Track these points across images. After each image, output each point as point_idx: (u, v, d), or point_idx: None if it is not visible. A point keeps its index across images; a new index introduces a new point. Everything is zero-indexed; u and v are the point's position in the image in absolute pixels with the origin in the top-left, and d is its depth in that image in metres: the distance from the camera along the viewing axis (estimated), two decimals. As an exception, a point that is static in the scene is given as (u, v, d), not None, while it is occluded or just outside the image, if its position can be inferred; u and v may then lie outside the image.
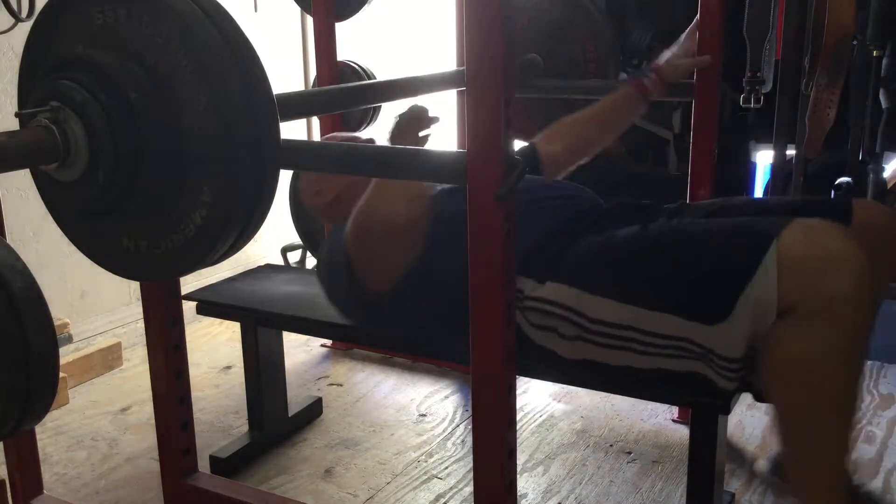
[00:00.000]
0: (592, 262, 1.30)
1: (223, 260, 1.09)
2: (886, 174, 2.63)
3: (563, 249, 1.36)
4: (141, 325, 1.67)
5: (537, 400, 2.36)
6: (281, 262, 3.16)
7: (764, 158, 3.08)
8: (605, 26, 2.10)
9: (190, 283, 2.07)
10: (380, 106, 2.46)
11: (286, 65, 3.27)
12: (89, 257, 1.15)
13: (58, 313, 2.48)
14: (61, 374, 1.98)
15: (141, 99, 0.97)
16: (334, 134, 1.67)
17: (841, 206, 1.39)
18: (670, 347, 1.22)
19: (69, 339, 2.58)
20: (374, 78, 2.54)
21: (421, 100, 1.74)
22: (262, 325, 2.05)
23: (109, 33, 1.00)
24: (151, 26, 0.97)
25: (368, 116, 2.51)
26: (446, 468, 2.03)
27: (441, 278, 1.38)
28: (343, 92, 1.46)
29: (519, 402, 2.31)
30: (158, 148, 0.99)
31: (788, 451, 1.22)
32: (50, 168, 0.99)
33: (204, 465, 1.95)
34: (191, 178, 1.00)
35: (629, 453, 2.07)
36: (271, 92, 1.01)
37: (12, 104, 2.47)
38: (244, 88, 0.97)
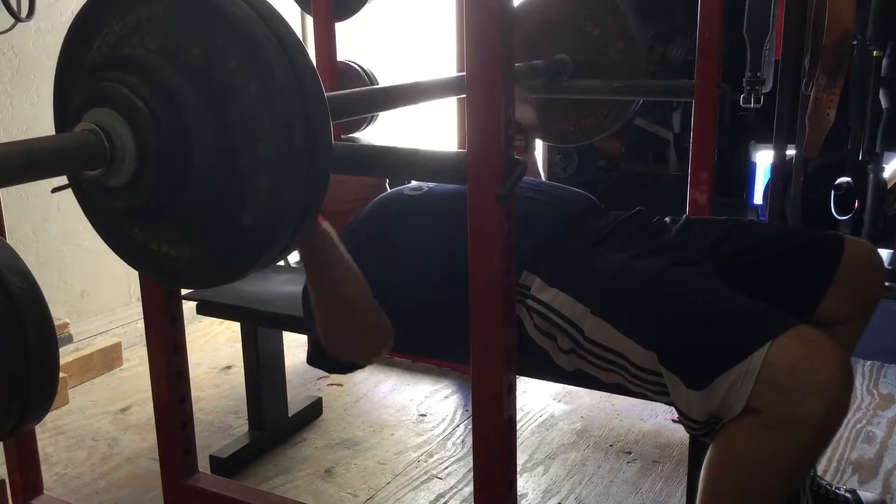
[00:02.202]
0: (605, 285, 1.31)
1: (272, 265, 1.06)
2: (886, 174, 2.63)
3: (575, 258, 1.37)
4: (141, 325, 1.67)
5: (537, 400, 2.36)
6: (281, 261, 3.17)
7: (764, 158, 3.09)
8: (637, 29, 2.09)
9: (190, 283, 2.07)
10: (379, 106, 2.46)
11: (286, 65, 3.27)
12: (129, 263, 1.12)
13: (58, 313, 2.48)
14: (61, 374, 1.98)
15: (197, 116, 0.93)
16: None
17: (835, 245, 1.41)
18: (656, 384, 1.24)
19: (69, 339, 2.58)
20: (375, 78, 2.54)
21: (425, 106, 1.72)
22: (262, 325, 2.05)
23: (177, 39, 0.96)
24: (227, 50, 0.93)
25: (368, 118, 2.51)
26: (446, 468, 2.03)
27: (432, 292, 1.39)
28: (344, 99, 1.44)
29: (519, 402, 2.31)
30: (208, 160, 0.95)
31: None
32: (94, 173, 0.95)
33: (204, 465, 1.95)
34: (238, 192, 0.96)
35: (629, 453, 2.07)
36: (331, 149, 0.99)
37: (12, 104, 2.47)
38: (306, 142, 0.94)
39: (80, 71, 1.02)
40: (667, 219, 1.55)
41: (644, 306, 1.26)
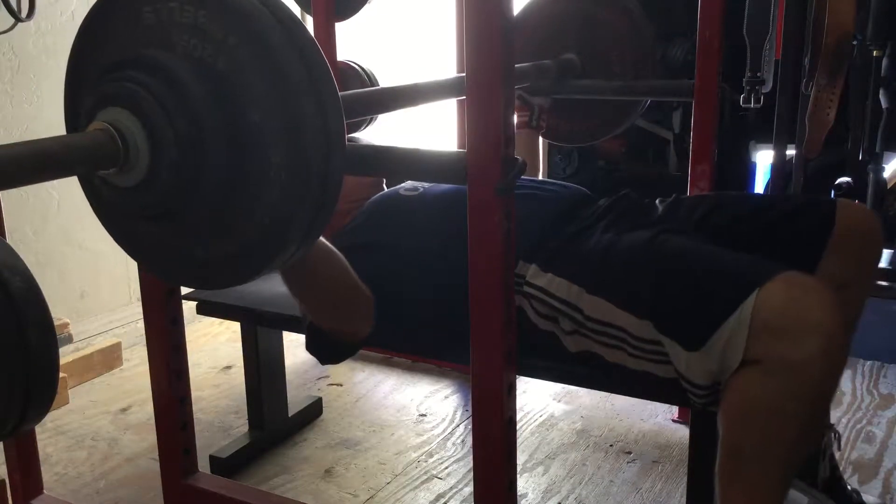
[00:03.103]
0: (596, 263, 1.32)
1: (285, 265, 1.05)
2: (886, 174, 2.63)
3: (567, 243, 1.38)
4: (141, 325, 1.67)
5: (537, 400, 2.36)
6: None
7: (764, 158, 3.09)
8: (646, 30, 2.09)
9: (190, 283, 2.07)
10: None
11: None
12: (140, 263, 1.11)
13: (58, 313, 2.48)
14: (61, 374, 1.98)
15: (208, 108, 0.92)
16: None
17: (826, 208, 1.41)
18: (657, 353, 1.24)
19: (69, 339, 2.58)
20: (375, 78, 2.54)
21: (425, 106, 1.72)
22: (262, 325, 2.05)
23: (158, 32, 0.95)
24: (242, 50, 0.92)
25: (367, 118, 2.51)
26: (446, 468, 2.03)
27: (430, 290, 1.40)
28: (348, 100, 1.44)
29: (519, 402, 2.31)
30: (222, 160, 0.94)
31: (720, 496, 1.22)
32: (107, 173, 0.94)
33: (204, 465, 1.95)
34: (251, 193, 0.95)
35: (629, 453, 2.07)
36: (345, 152, 0.98)
37: (12, 104, 2.47)
38: (321, 145, 0.93)
39: (93, 70, 1.02)
40: (657, 200, 1.56)
41: (634, 278, 1.27)
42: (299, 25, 0.95)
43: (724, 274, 1.20)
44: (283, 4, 0.95)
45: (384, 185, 1.76)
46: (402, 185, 1.63)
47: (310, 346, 1.47)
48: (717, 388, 1.17)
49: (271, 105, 0.92)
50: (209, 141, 0.93)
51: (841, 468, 1.95)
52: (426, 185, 1.58)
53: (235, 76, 0.92)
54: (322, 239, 1.26)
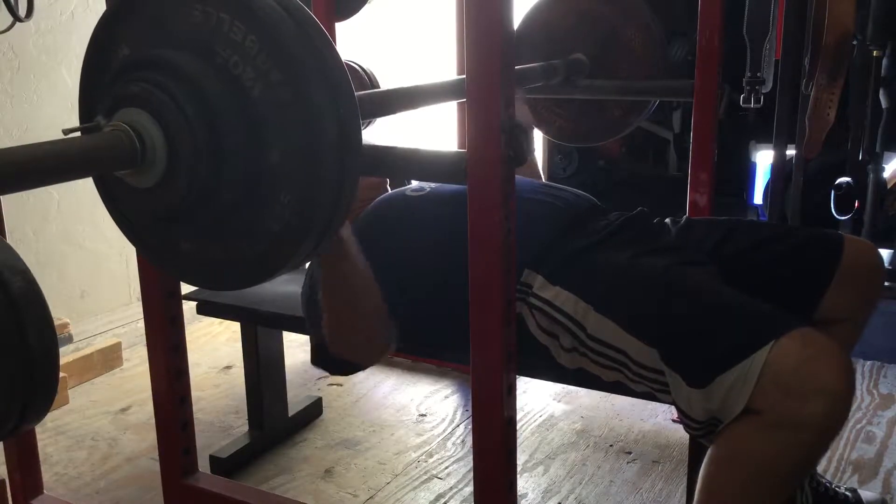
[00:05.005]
0: (608, 283, 1.31)
1: (298, 267, 1.05)
2: (886, 174, 2.63)
3: (577, 257, 1.37)
4: (141, 325, 1.67)
5: (537, 400, 2.36)
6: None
7: (764, 158, 3.09)
8: (655, 28, 2.09)
9: (190, 283, 2.07)
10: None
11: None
12: (155, 265, 1.11)
13: (58, 313, 2.48)
14: (61, 374, 1.98)
15: (228, 118, 0.93)
16: None
17: (834, 243, 1.41)
18: (657, 382, 1.24)
19: (69, 339, 2.58)
20: (375, 78, 2.54)
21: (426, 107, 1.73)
22: (262, 325, 2.05)
23: (200, 36, 0.95)
24: (243, 34, 0.93)
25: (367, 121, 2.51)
26: (446, 468, 2.03)
27: (433, 293, 1.39)
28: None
29: (519, 402, 2.31)
30: (238, 158, 0.95)
31: None
32: (123, 173, 0.95)
33: (204, 465, 1.95)
34: (268, 195, 0.96)
35: (629, 453, 2.07)
36: (359, 158, 0.99)
37: (12, 104, 2.47)
38: (337, 149, 0.94)
39: (108, 71, 1.02)
40: (667, 220, 1.55)
41: (647, 304, 1.26)
42: (346, 88, 0.95)
43: (740, 318, 1.19)
44: (339, 64, 0.95)
45: (388, 186, 1.75)
46: (409, 185, 1.63)
47: (316, 361, 1.47)
48: (712, 423, 1.16)
49: (294, 145, 0.93)
50: (226, 139, 0.93)
51: (840, 468, 1.96)
52: (432, 185, 1.57)
53: (267, 108, 0.93)
54: (362, 257, 1.29)
